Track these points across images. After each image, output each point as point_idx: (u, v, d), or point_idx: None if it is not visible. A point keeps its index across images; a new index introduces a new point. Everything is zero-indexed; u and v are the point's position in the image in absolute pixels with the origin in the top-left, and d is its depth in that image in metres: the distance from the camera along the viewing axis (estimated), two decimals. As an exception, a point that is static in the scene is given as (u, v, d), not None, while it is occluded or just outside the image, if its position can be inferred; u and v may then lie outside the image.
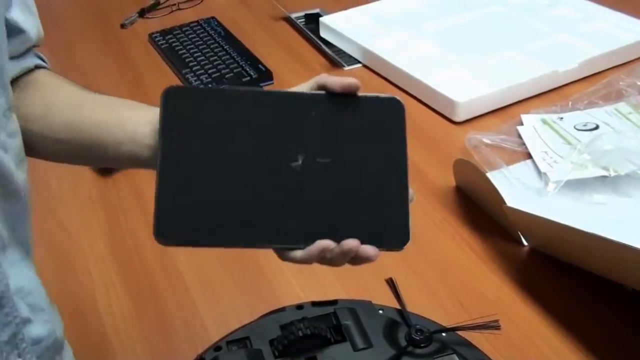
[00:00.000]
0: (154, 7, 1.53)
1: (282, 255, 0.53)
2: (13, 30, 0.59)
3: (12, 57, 0.60)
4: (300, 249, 0.51)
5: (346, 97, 0.53)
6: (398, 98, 0.54)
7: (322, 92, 0.54)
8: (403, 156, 0.53)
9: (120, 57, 1.36)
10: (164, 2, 1.55)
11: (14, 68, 0.60)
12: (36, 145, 0.61)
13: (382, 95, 0.54)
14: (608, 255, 0.69)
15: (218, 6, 1.55)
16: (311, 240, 0.51)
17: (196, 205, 0.51)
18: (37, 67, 0.64)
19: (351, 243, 0.50)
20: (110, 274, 0.86)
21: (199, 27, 1.42)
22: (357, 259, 0.52)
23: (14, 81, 0.60)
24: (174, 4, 1.54)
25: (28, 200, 0.58)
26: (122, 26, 1.46)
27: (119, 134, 0.58)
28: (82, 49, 1.41)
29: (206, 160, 0.52)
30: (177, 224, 0.51)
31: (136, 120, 0.58)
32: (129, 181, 1.01)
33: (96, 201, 0.99)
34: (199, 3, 1.56)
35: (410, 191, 0.54)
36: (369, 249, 0.51)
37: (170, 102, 0.53)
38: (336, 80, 0.54)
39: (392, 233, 0.52)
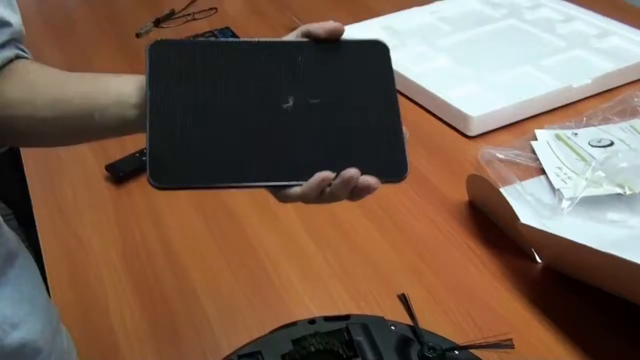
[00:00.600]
0: (169, 17, 1.54)
1: (280, 195, 0.53)
2: None
3: None
4: (299, 185, 0.51)
5: (331, 43, 0.55)
6: (381, 40, 0.56)
7: (307, 39, 0.55)
8: (392, 92, 0.54)
9: (135, 65, 1.37)
10: (179, 12, 1.56)
11: None
12: (24, 131, 0.60)
13: (365, 39, 0.56)
14: (623, 274, 0.69)
15: (232, 17, 1.56)
16: (309, 175, 0.51)
17: (189, 148, 0.51)
18: (18, 57, 0.64)
19: (351, 171, 0.50)
20: (123, 283, 0.86)
21: (213, 37, 1.42)
22: (358, 191, 0.52)
23: None
24: (189, 14, 1.55)
25: None
26: (138, 35, 1.47)
27: (103, 98, 0.57)
28: (98, 57, 1.42)
29: (196, 105, 0.52)
30: (170, 167, 0.50)
31: (120, 83, 0.58)
32: (142, 191, 1.01)
33: (110, 211, 0.99)
34: (214, 13, 1.57)
35: (404, 129, 0.54)
36: (369, 178, 0.51)
37: (156, 54, 0.53)
38: (319, 25, 0.55)
39: (390, 164, 0.53)
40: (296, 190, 0.52)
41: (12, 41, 0.63)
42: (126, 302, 0.83)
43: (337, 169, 0.51)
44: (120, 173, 1.03)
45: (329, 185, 0.51)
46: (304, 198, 0.52)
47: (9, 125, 0.60)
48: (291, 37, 0.56)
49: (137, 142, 1.08)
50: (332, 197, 0.52)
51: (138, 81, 0.56)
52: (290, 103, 0.53)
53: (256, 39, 0.55)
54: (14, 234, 0.64)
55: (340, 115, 0.53)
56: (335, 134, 0.53)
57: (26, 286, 0.63)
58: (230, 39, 0.58)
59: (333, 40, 0.55)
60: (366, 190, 0.51)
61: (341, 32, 0.55)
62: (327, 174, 0.50)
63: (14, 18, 0.62)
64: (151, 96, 0.52)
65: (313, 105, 0.53)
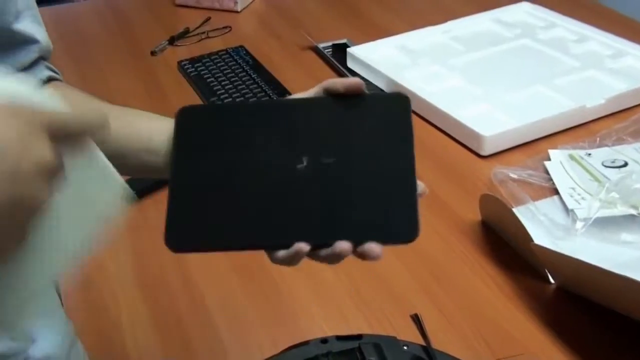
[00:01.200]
0: (183, 35, 1.56)
1: (271, 255, 0.52)
2: (26, 40, 0.61)
3: (24, 68, 0.62)
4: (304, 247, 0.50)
5: (351, 98, 0.55)
6: (403, 93, 0.55)
7: (327, 95, 0.56)
8: (410, 150, 0.53)
9: (150, 83, 1.38)
10: (194, 31, 1.58)
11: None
12: None
13: (387, 92, 0.56)
14: (637, 296, 0.68)
15: (247, 35, 1.57)
16: (317, 237, 0.50)
17: (207, 213, 0.52)
18: (51, 79, 0.65)
19: (341, 245, 0.49)
20: (136, 302, 0.86)
21: (227, 55, 1.43)
22: (361, 256, 0.50)
23: None
24: (204, 32, 1.57)
25: None
26: (152, 53, 1.49)
27: (136, 143, 0.60)
28: (113, 75, 1.43)
29: (216, 171, 0.53)
30: (187, 233, 0.52)
31: (152, 130, 0.60)
32: (156, 207, 1.02)
33: (124, 228, 0.99)
34: (228, 32, 1.58)
35: (421, 184, 0.53)
36: (373, 247, 0.49)
37: (183, 118, 0.56)
38: (340, 81, 0.55)
39: (402, 226, 0.51)
40: (278, 254, 0.51)
41: (41, 59, 0.64)
42: (139, 320, 0.83)
43: (344, 232, 0.50)
44: (134, 190, 1.03)
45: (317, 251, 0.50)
46: (286, 262, 0.51)
47: None
48: (312, 92, 0.57)
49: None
50: (331, 262, 0.52)
51: (168, 131, 0.58)
52: (304, 164, 0.53)
53: (277, 99, 0.56)
54: None
55: (353, 175, 0.53)
56: (346, 195, 0.52)
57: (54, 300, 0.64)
58: (252, 101, 0.60)
59: (353, 95, 0.55)
60: (370, 258, 0.50)
61: (361, 88, 0.54)
62: (302, 246, 0.50)
63: (41, 34, 0.63)
64: (175, 161, 0.54)
65: (326, 165, 0.53)
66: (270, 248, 0.52)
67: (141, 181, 1.05)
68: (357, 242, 0.50)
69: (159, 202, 1.03)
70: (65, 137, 0.37)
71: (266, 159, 0.53)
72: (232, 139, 0.54)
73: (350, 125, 0.54)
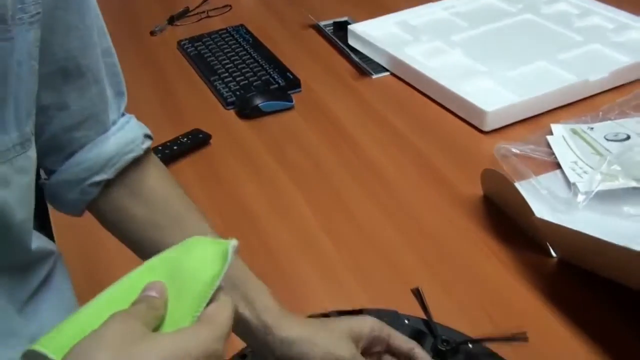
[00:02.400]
0: (183, 15, 1.55)
1: None
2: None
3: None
4: None
5: None
6: None
7: None
8: None
9: (150, 63, 1.38)
10: (193, 10, 1.57)
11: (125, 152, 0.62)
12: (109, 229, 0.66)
13: None
14: (635, 267, 0.68)
15: (247, 14, 1.56)
16: None
17: None
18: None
19: None
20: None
21: (227, 34, 1.43)
22: None
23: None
24: (203, 12, 1.56)
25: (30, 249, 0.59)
26: (152, 33, 1.48)
27: None
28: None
29: None
30: None
31: None
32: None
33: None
34: (228, 11, 1.57)
35: None
36: None
37: None
38: None
39: None
40: None
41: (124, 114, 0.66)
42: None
43: None
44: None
45: None
46: None
47: (103, 221, 0.66)
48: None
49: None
50: None
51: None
52: None
53: None
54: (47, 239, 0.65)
55: None
56: None
57: (66, 292, 0.64)
58: None
59: None
60: None
61: None
62: None
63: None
64: None
65: None
66: None
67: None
68: None
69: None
70: None
71: None
72: None
73: None
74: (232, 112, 1.20)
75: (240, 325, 0.60)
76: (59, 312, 0.62)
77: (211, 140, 1.11)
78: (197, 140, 1.09)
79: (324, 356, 0.58)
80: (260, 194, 1.00)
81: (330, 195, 0.99)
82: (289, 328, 0.59)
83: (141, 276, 0.46)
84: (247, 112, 1.16)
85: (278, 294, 0.82)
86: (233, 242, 0.48)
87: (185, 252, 0.48)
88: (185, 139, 1.08)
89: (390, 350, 0.62)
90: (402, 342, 0.62)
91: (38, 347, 0.40)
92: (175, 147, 1.06)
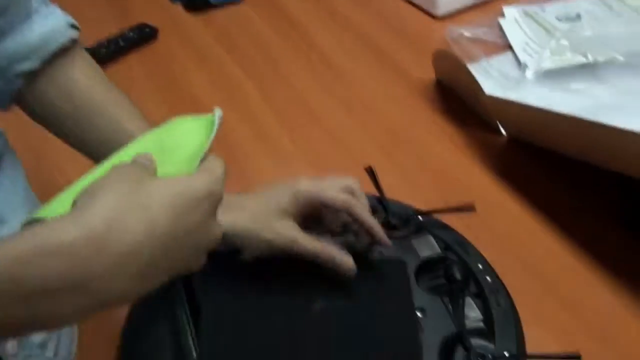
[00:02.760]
0: None
1: None
2: None
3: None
4: None
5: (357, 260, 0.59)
6: (401, 258, 0.62)
7: None
8: (410, 304, 0.59)
9: (115, 9, 1.32)
10: None
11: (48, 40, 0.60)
12: (29, 109, 0.63)
13: (387, 258, 0.62)
14: (583, 137, 0.70)
15: None
16: None
17: None
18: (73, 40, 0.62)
19: None
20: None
21: None
22: None
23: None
24: None
25: None
26: None
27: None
28: None
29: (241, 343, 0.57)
30: None
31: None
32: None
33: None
34: None
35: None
36: None
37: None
38: (336, 261, 0.58)
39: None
40: None
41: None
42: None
43: None
44: (100, 55, 1.00)
45: None
46: None
47: (31, 115, 0.63)
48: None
49: (96, 32, 1.06)
50: None
51: None
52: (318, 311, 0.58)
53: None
54: None
55: (359, 325, 0.57)
56: (358, 344, 0.56)
57: (19, 180, 0.63)
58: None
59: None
60: None
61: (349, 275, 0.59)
62: None
63: None
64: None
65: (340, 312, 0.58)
66: None
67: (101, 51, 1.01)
68: None
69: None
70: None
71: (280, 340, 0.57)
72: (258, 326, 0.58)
73: (354, 287, 0.59)
74: (178, 5, 1.16)
75: None
76: (12, 196, 0.61)
77: (158, 35, 1.08)
78: (143, 35, 1.06)
79: (260, 249, 0.58)
80: (212, 88, 0.98)
81: (284, 86, 0.98)
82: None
83: (127, 153, 0.46)
84: (194, 3, 1.13)
85: (234, 186, 0.82)
86: (218, 112, 0.49)
87: (170, 129, 0.49)
88: (131, 34, 1.05)
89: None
90: (335, 197, 0.60)
91: (39, 214, 0.40)
92: (121, 42, 1.03)
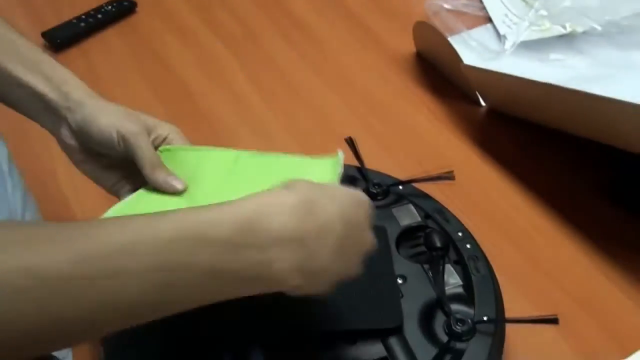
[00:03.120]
0: None
1: None
2: None
3: None
4: None
5: None
6: (381, 225, 0.63)
7: None
8: (390, 263, 0.60)
9: None
10: None
11: None
12: None
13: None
14: (561, 105, 0.70)
15: None
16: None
17: None
18: None
19: None
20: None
21: None
22: None
23: None
24: None
25: None
26: None
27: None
28: None
29: None
30: None
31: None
32: (83, 58, 0.98)
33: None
34: None
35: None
36: None
37: None
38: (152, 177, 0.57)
39: (388, 316, 0.57)
40: None
41: None
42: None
43: (340, 323, 0.56)
44: (57, 40, 0.99)
45: None
46: None
47: None
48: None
49: (73, 6, 1.05)
50: None
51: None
52: None
53: None
54: None
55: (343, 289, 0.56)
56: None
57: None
58: None
59: None
60: None
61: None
62: None
63: None
64: None
65: None
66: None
67: (63, 30, 1.00)
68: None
69: (84, 52, 0.99)
70: None
71: None
72: None
73: None
74: (157, -21, 1.14)
75: (35, 103, 0.57)
76: None
77: (137, 8, 1.07)
78: (122, 8, 1.04)
79: (110, 122, 0.56)
80: (192, 60, 0.98)
81: (262, 57, 0.98)
82: (86, 96, 0.57)
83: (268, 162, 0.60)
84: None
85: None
86: (341, 154, 0.56)
87: (297, 165, 0.58)
88: (109, 7, 1.04)
89: None
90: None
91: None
92: (99, 16, 1.02)
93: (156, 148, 0.59)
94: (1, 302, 0.32)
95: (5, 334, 0.33)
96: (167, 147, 0.59)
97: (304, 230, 0.41)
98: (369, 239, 0.47)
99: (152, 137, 0.58)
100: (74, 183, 0.80)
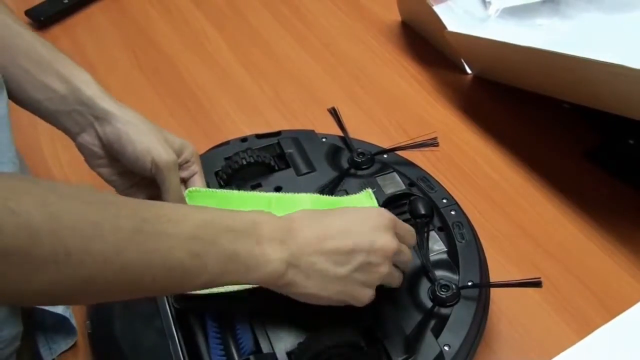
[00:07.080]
0: None
1: None
2: None
3: None
4: None
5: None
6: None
7: None
8: None
9: None
10: None
11: None
12: None
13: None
14: (545, 68, 0.70)
15: None
16: None
17: None
18: None
19: None
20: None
21: None
22: None
23: None
24: None
25: None
26: None
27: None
28: None
29: None
30: None
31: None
32: (68, 35, 0.98)
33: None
34: None
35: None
36: None
37: None
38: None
39: None
40: None
41: None
42: (60, 144, 0.82)
43: None
44: (41, 17, 0.98)
45: None
46: None
47: None
48: None
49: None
50: None
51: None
52: None
53: None
54: None
55: None
56: None
57: None
58: None
59: None
60: None
61: None
62: None
63: None
64: None
65: None
66: None
67: (47, 8, 1.00)
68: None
69: (68, 29, 0.99)
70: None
71: None
72: None
73: None
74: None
75: (54, 105, 0.56)
76: None
77: (120, -16, 1.06)
78: (105, -16, 1.04)
79: (145, 148, 0.56)
80: (175, 33, 0.97)
81: (245, 28, 0.97)
82: (112, 104, 0.56)
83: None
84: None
85: (199, 127, 0.82)
86: (369, 189, 0.62)
87: (336, 203, 0.62)
88: (92, -17, 1.03)
89: None
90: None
91: None
92: (83, -8, 1.01)
93: (180, 166, 0.60)
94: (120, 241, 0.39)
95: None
96: (197, 189, 0.61)
97: (291, 229, 0.48)
98: (383, 269, 0.49)
99: (180, 160, 0.59)
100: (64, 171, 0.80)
